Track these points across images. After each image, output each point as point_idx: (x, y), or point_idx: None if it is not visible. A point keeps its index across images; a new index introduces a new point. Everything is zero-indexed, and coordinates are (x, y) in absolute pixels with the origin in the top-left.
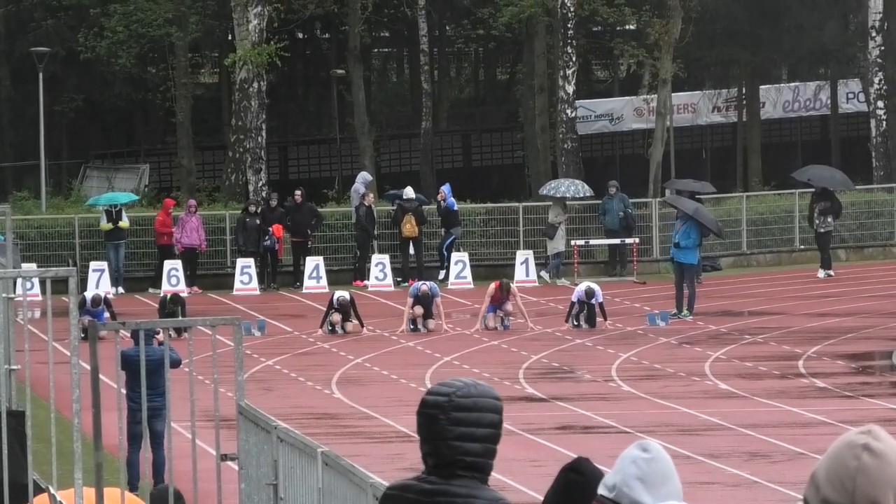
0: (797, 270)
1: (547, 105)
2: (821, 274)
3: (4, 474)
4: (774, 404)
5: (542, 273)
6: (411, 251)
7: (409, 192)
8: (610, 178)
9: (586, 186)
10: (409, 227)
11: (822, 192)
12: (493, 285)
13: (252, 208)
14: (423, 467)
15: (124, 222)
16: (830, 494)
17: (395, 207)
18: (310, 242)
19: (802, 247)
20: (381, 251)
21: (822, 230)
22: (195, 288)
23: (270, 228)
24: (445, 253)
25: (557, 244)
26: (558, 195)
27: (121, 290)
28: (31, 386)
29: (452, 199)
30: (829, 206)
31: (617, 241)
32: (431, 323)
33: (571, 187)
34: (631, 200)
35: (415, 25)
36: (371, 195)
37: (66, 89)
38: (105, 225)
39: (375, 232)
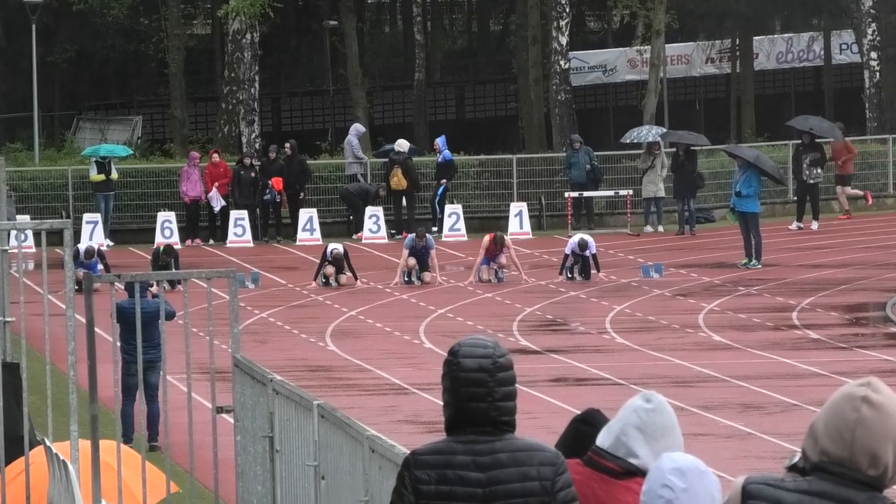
0: (791, 222)
1: (540, 56)
2: (793, 226)
3: (0, 427)
4: (768, 356)
5: (648, 228)
6: (404, 204)
7: (401, 144)
8: (603, 129)
9: (660, 129)
10: (397, 179)
11: (811, 143)
12: (487, 238)
13: (247, 161)
14: (442, 425)
15: (114, 174)
16: (829, 446)
17: (386, 160)
18: (302, 195)
19: (796, 198)
20: (374, 203)
21: (811, 181)
22: (198, 241)
23: (270, 182)
24: (438, 206)
25: (646, 190)
26: (648, 140)
27: (109, 242)
28: (26, 338)
29: (448, 151)
30: (819, 157)
31: (610, 192)
32: (426, 275)
33: (652, 130)
34: (626, 152)
35: None
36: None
37: (59, 41)
38: (96, 176)
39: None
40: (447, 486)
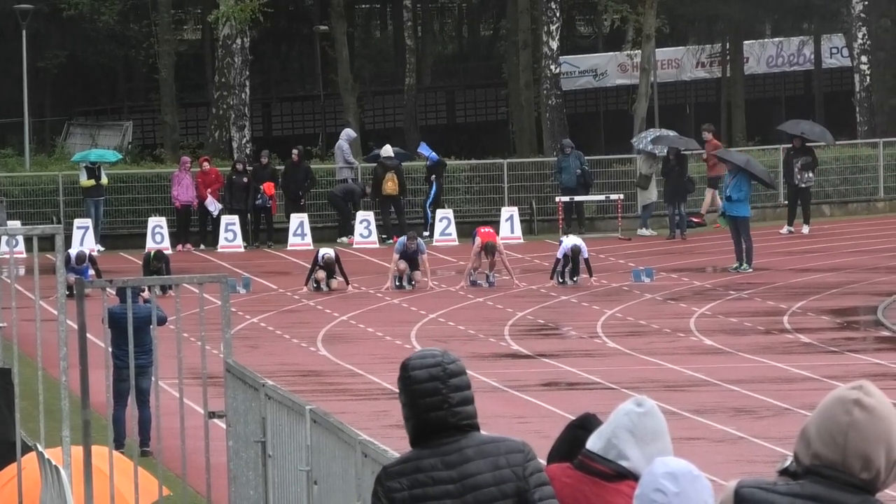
0: (781, 225)
1: (531, 61)
2: (784, 230)
3: None
4: (759, 360)
5: (641, 231)
6: (391, 209)
7: (387, 149)
8: (594, 134)
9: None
10: (391, 184)
11: (802, 146)
12: (478, 240)
13: (239, 166)
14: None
15: (104, 179)
16: (821, 450)
17: (375, 165)
18: (302, 201)
19: (787, 202)
20: (365, 208)
21: (803, 185)
22: (189, 246)
23: (262, 187)
24: (429, 210)
25: (650, 194)
26: (650, 149)
27: (100, 247)
28: (17, 344)
29: (433, 153)
30: (811, 161)
31: (601, 196)
32: (417, 274)
33: (661, 135)
34: (617, 156)
35: None
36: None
37: (50, 46)
38: (86, 181)
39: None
40: (420, 488)
